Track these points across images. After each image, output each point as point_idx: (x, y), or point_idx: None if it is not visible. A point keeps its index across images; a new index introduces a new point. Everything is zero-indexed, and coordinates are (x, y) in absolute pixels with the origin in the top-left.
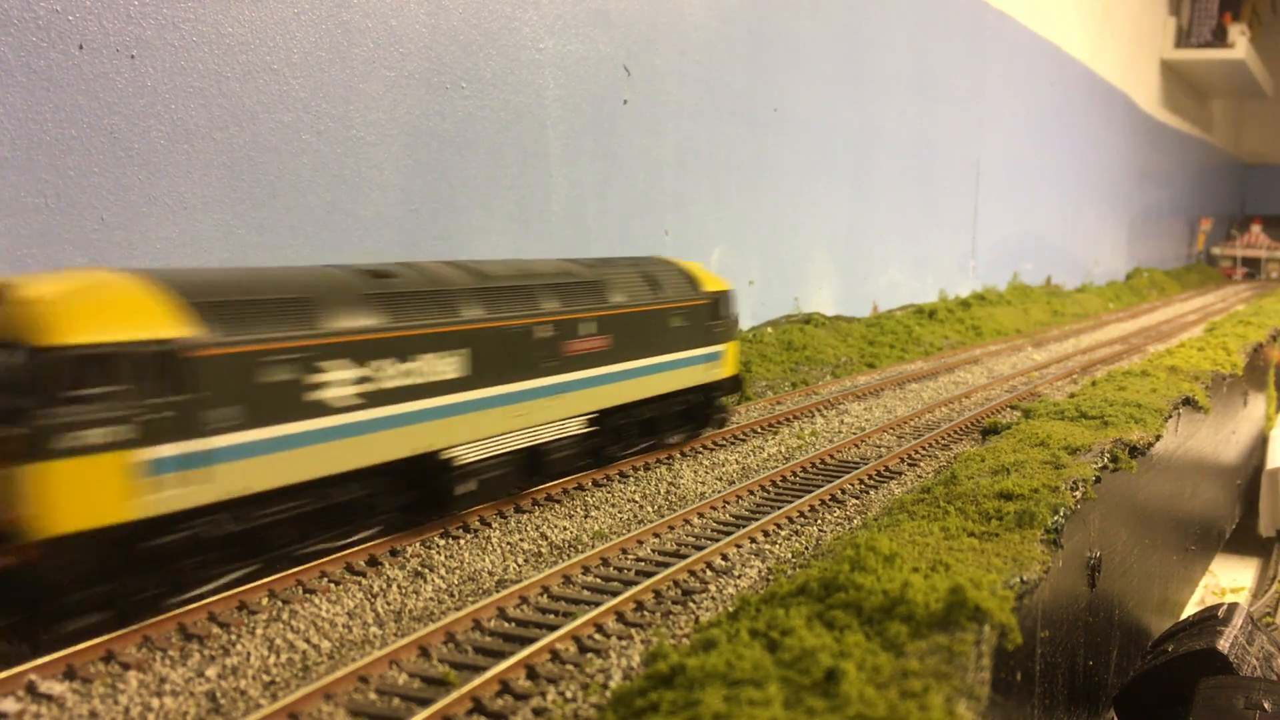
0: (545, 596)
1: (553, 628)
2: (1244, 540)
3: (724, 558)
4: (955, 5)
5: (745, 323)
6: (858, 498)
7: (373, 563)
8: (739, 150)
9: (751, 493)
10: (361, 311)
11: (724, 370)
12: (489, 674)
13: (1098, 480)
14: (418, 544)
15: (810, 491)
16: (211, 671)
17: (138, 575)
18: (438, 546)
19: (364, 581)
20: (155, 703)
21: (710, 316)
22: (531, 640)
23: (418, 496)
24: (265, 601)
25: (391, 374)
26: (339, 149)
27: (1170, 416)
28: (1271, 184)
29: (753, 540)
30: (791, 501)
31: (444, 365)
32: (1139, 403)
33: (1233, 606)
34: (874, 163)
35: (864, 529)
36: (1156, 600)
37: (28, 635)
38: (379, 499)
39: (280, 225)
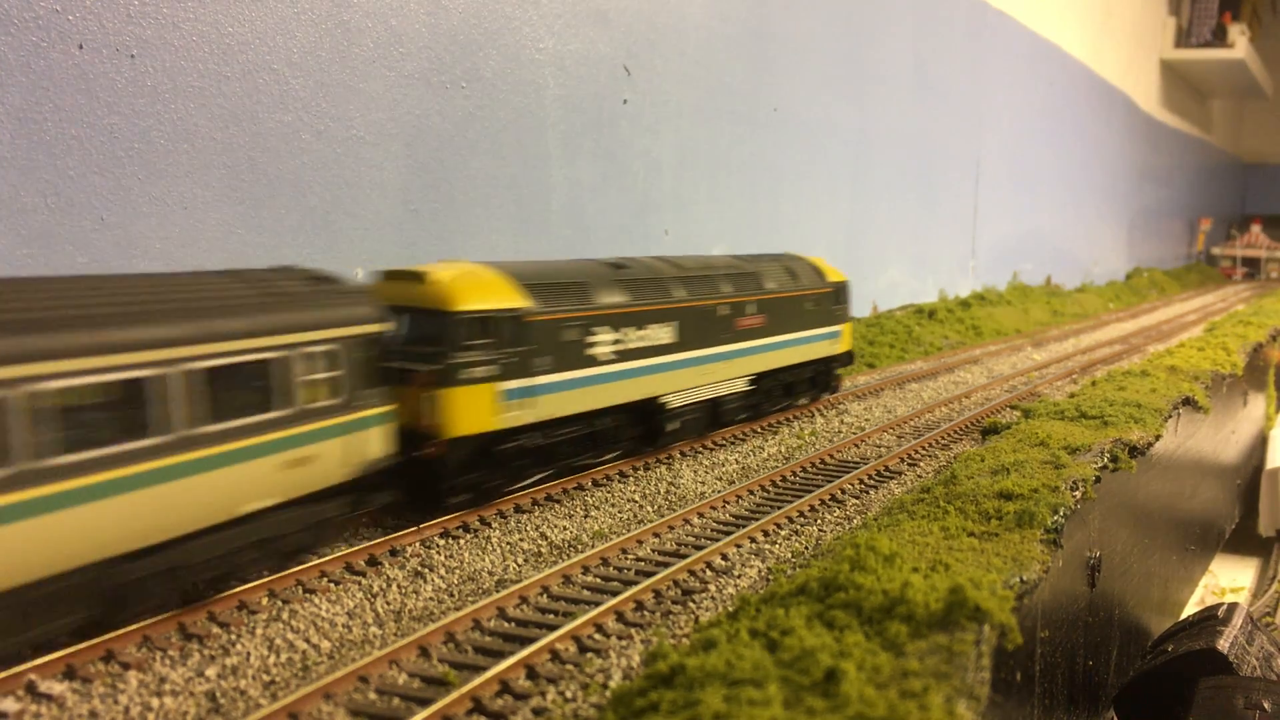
0: (545, 596)
1: (552, 628)
2: (1244, 540)
3: (724, 557)
4: (955, 5)
5: None
6: (857, 497)
7: (372, 562)
8: (739, 150)
9: (751, 492)
10: (615, 292)
11: (841, 346)
12: (489, 674)
13: (1098, 480)
14: (418, 544)
15: (810, 491)
16: (211, 671)
17: (491, 469)
18: (437, 546)
19: (364, 581)
20: (155, 702)
21: (833, 302)
22: (531, 640)
23: (643, 430)
24: (265, 601)
25: (632, 338)
26: (339, 149)
27: (1170, 416)
28: (1271, 184)
29: (752, 540)
30: (791, 501)
31: (663, 333)
32: (1139, 403)
33: (1232, 606)
34: (874, 163)
35: (864, 529)
36: (1156, 600)
37: (430, 503)
38: (621, 430)
39: (280, 225)
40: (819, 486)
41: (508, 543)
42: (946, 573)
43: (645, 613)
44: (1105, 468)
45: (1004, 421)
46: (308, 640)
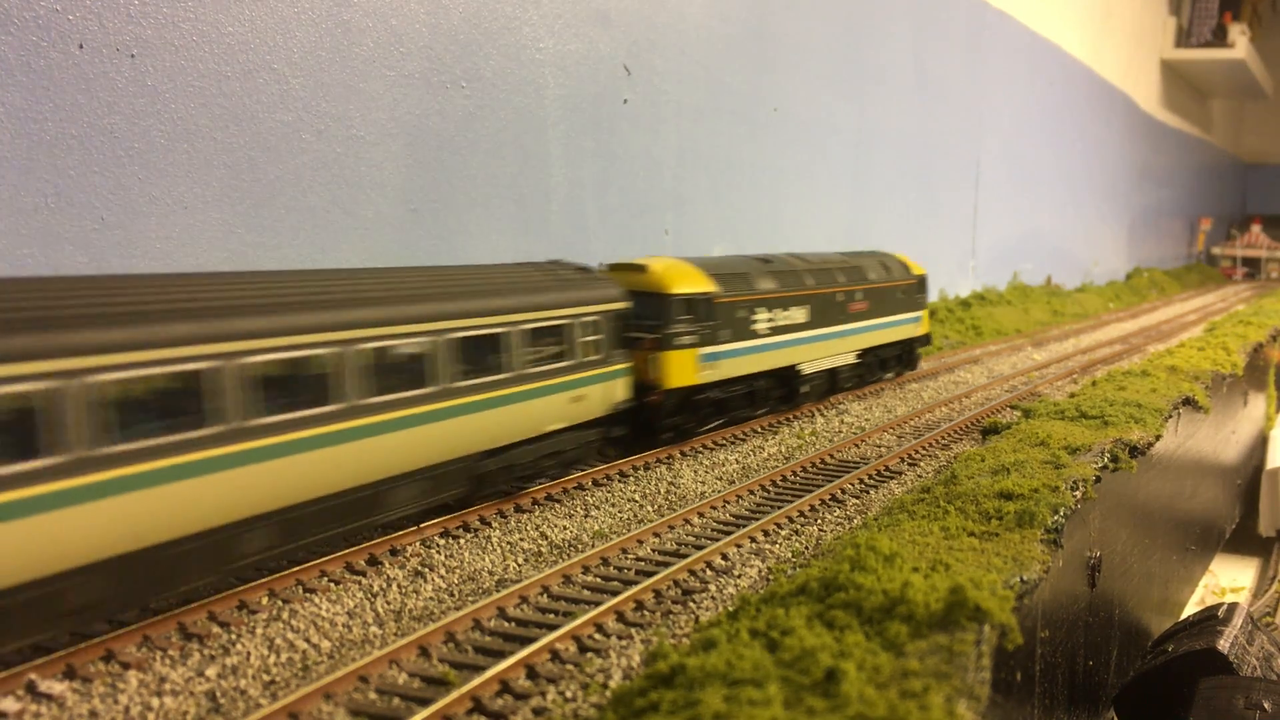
0: (545, 596)
1: (553, 627)
2: (1244, 540)
3: (724, 557)
4: (955, 5)
5: None
6: (858, 497)
7: (373, 562)
8: (739, 150)
9: (751, 492)
10: (767, 280)
11: (922, 329)
12: (489, 673)
13: (1098, 480)
14: (418, 543)
15: (810, 491)
16: (211, 671)
17: (689, 414)
18: (438, 546)
19: (364, 581)
20: (155, 702)
21: (917, 291)
22: (531, 640)
23: (783, 392)
24: (265, 601)
25: (780, 318)
26: (339, 148)
27: (1170, 416)
28: (1271, 184)
29: (753, 540)
30: (791, 501)
31: (799, 314)
32: (1139, 402)
33: (1233, 606)
34: (874, 162)
35: (864, 529)
36: (1156, 600)
37: (648, 437)
38: (770, 390)
39: (280, 225)
40: (819, 486)
41: (508, 542)
42: (947, 573)
43: (645, 612)
44: (1105, 468)
45: (1004, 421)
46: (308, 640)
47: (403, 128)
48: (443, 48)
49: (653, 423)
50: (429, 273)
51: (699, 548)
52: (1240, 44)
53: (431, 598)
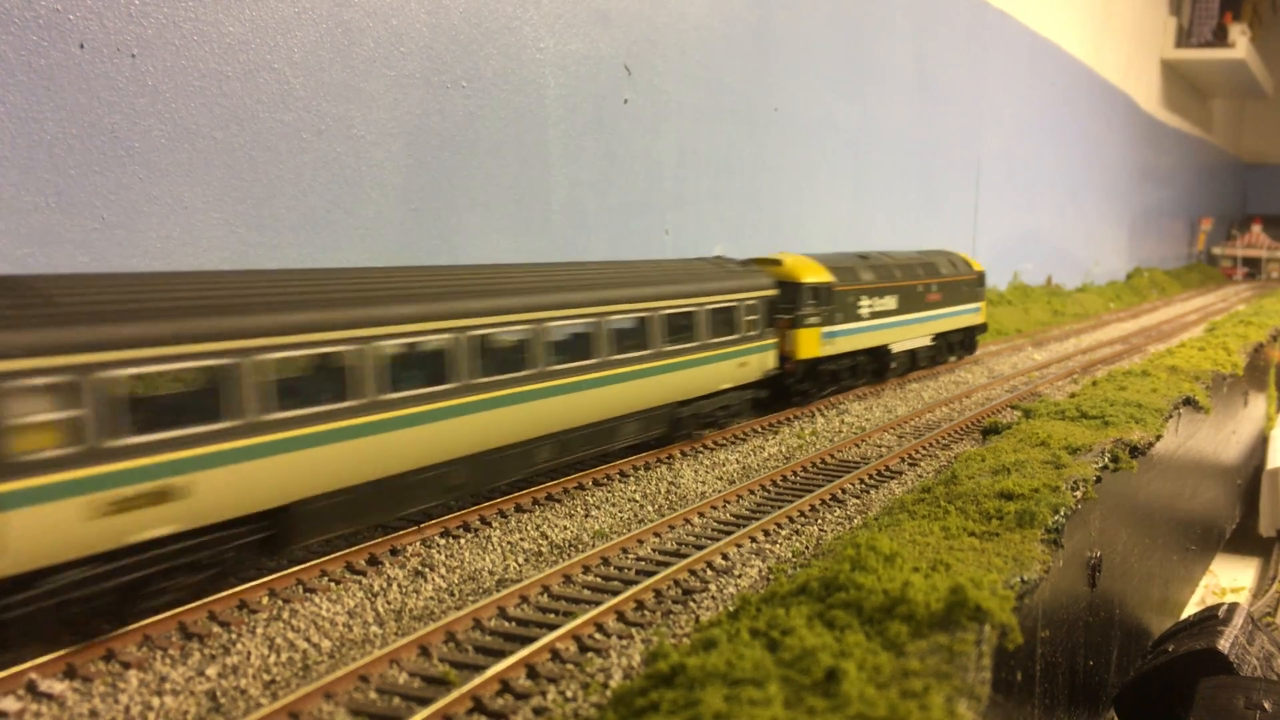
0: (545, 596)
1: (553, 627)
2: (1244, 540)
3: (724, 557)
4: (956, 5)
5: None
6: (858, 497)
7: (373, 562)
8: (739, 149)
9: (752, 492)
10: (867, 273)
11: (981, 318)
12: (489, 673)
13: (1098, 480)
14: (418, 543)
15: (811, 491)
16: (212, 670)
17: (813, 381)
18: (438, 546)
19: (364, 580)
20: (156, 701)
21: (977, 285)
22: (532, 639)
23: (876, 367)
24: (265, 600)
25: (877, 305)
26: (339, 148)
27: (1171, 416)
28: (1272, 184)
29: (753, 540)
30: (792, 501)
31: (891, 302)
32: (1140, 402)
33: (1233, 606)
34: (874, 162)
35: (864, 528)
36: (1157, 600)
37: (783, 399)
38: (867, 365)
39: (281, 224)
40: (819, 486)
41: (508, 542)
42: (947, 572)
43: (646, 612)
44: (1106, 468)
45: (1005, 421)
46: (308, 639)
47: (403, 127)
48: (443, 48)
49: (787, 387)
50: (639, 265)
51: (699, 547)
52: (1241, 44)
53: (432, 597)
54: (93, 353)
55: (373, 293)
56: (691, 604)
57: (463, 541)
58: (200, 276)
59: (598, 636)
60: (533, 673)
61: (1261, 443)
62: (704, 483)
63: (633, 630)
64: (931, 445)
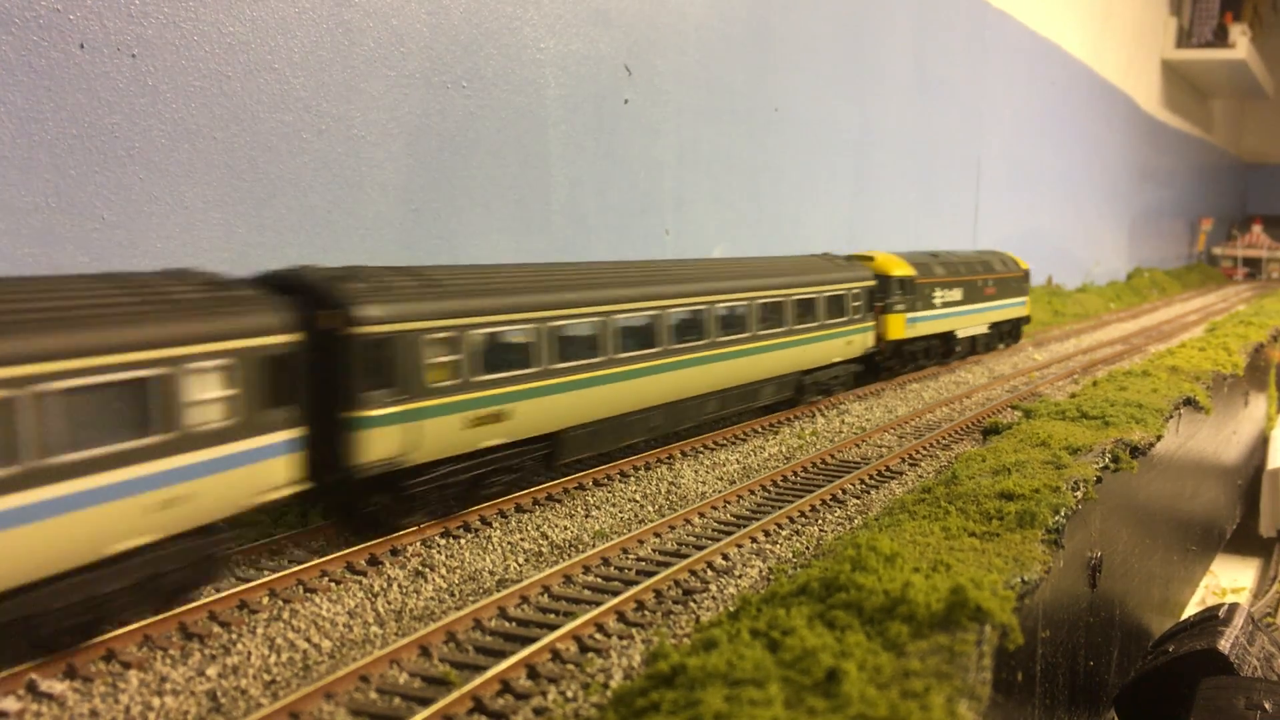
0: (546, 596)
1: (553, 627)
2: (1245, 540)
3: (725, 557)
4: (956, 5)
5: None
6: (859, 497)
7: (373, 562)
8: (740, 149)
9: (752, 492)
10: (939, 268)
11: (1026, 311)
12: (490, 673)
13: (1099, 480)
14: (418, 543)
15: (811, 491)
16: (212, 670)
17: (897, 360)
18: (438, 546)
19: (365, 580)
20: (156, 702)
21: (1023, 281)
22: (532, 640)
23: (944, 350)
24: (266, 600)
25: (947, 296)
26: (340, 148)
27: (1171, 417)
28: (1272, 184)
29: (754, 540)
30: (792, 501)
31: (957, 294)
32: (1140, 403)
33: (1233, 607)
34: (874, 162)
35: (865, 529)
36: (1157, 600)
37: (874, 373)
38: (937, 348)
39: (281, 224)
40: (820, 486)
41: (508, 542)
42: (948, 573)
43: (646, 612)
44: (1106, 468)
45: (1005, 421)
46: (309, 639)
47: (403, 128)
48: (443, 48)
49: (878, 363)
50: (774, 261)
51: (700, 548)
52: (1241, 44)
53: (432, 597)
54: (465, 317)
55: (604, 280)
56: (692, 604)
57: (463, 542)
58: (516, 269)
59: (598, 637)
60: (533, 673)
61: (1262, 443)
62: (704, 483)
63: (633, 630)
64: (932, 445)
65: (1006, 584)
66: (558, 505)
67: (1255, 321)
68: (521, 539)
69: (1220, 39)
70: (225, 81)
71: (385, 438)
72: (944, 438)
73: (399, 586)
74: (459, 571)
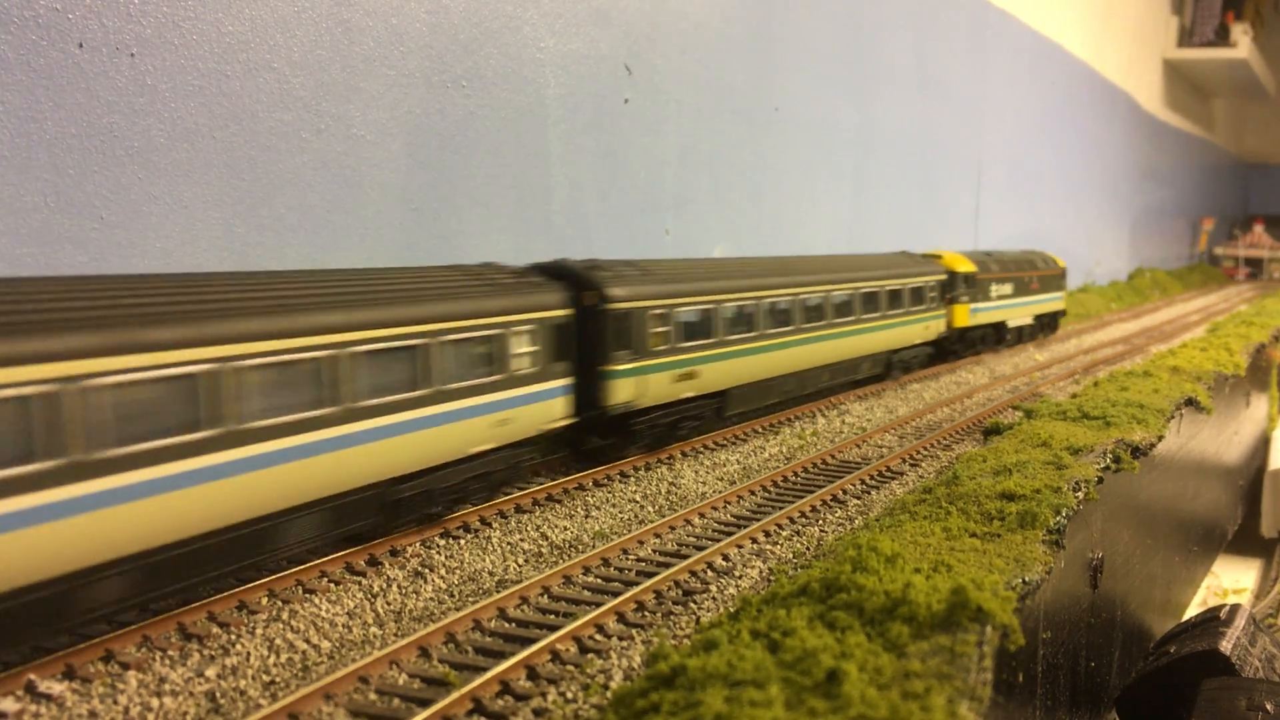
0: (546, 597)
1: (553, 628)
2: (1246, 541)
3: (725, 558)
4: (957, 4)
5: None
6: (859, 498)
7: (373, 562)
8: (740, 149)
9: (753, 493)
10: (995, 266)
11: (1062, 305)
12: (489, 674)
13: (1100, 481)
14: (418, 544)
15: (812, 492)
16: (211, 671)
17: (964, 344)
18: (438, 546)
19: (364, 581)
20: (155, 702)
21: (1061, 278)
22: (532, 641)
23: (996, 338)
24: (265, 601)
25: (1000, 289)
26: (339, 148)
27: (1173, 417)
28: (1274, 184)
29: (754, 540)
30: (793, 502)
31: (1009, 288)
32: (1141, 403)
33: (1235, 608)
34: (875, 162)
35: (866, 529)
36: (1159, 601)
37: (942, 357)
38: (990, 336)
39: (281, 224)
40: (821, 487)
41: (508, 543)
42: (949, 574)
43: (646, 613)
44: (1108, 468)
45: (1006, 422)
46: (308, 640)
47: (403, 127)
48: (443, 47)
49: (945, 347)
50: (867, 258)
51: (700, 548)
52: (1243, 43)
53: (432, 598)
54: (671, 299)
55: (755, 271)
56: (692, 605)
57: (462, 542)
58: (693, 262)
59: (598, 638)
60: (533, 674)
61: (1263, 443)
62: (704, 483)
63: (633, 631)
64: (933, 446)
65: (1008, 585)
66: (557, 506)
67: (1257, 322)
68: (521, 539)
69: (1222, 38)
70: (224, 81)
71: (626, 387)
72: (945, 438)
73: (398, 587)
74: (458, 572)
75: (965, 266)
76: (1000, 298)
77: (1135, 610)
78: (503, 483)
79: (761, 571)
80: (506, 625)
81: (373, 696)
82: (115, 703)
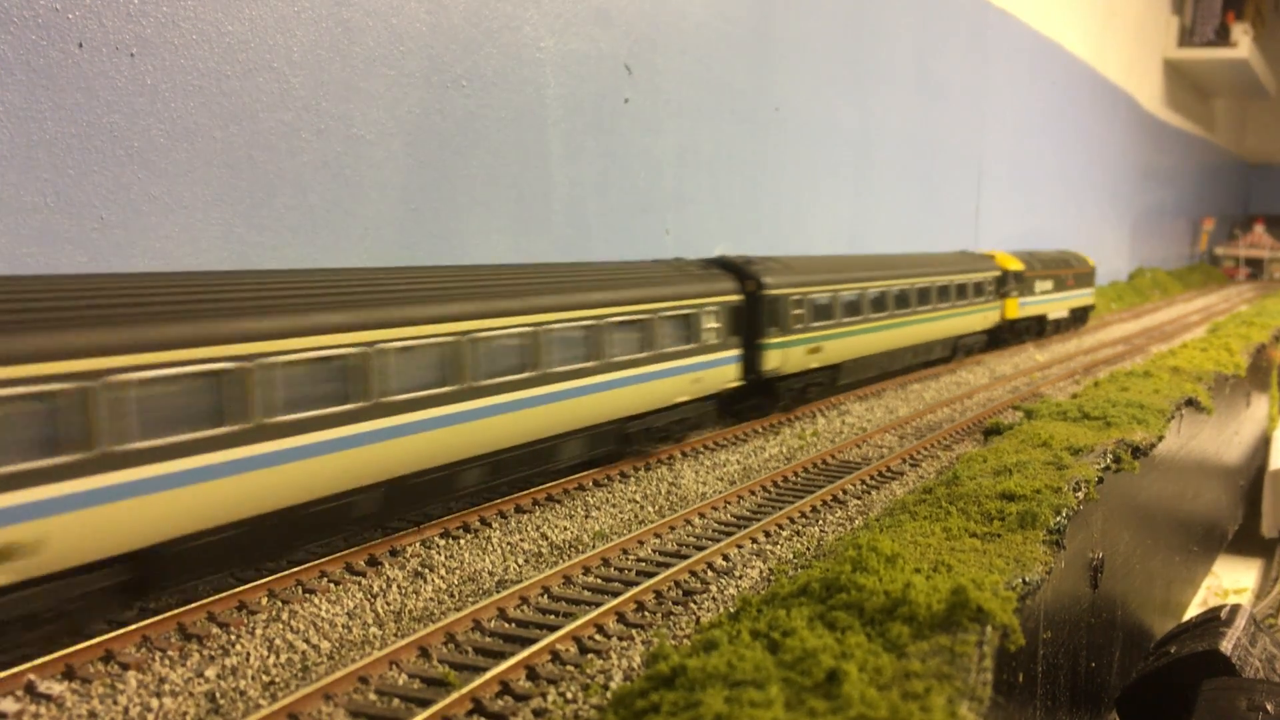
0: (546, 597)
1: (553, 628)
2: (1247, 541)
3: (725, 558)
4: (958, 4)
5: None
6: (859, 498)
7: (373, 563)
8: (740, 149)
9: (753, 493)
10: (1038, 265)
11: (1092, 300)
12: (489, 674)
13: (1100, 481)
14: (418, 544)
15: (812, 492)
16: (211, 672)
17: (1013, 334)
18: (438, 546)
19: (364, 581)
20: (154, 703)
21: (1091, 275)
22: (532, 641)
23: (1039, 329)
24: (265, 601)
25: (1043, 285)
26: (339, 148)
27: (1173, 417)
28: (1274, 184)
29: (754, 541)
30: (793, 502)
31: (1049, 285)
32: (1142, 403)
33: (1235, 608)
34: (876, 162)
35: (866, 529)
36: (1159, 601)
37: (995, 345)
38: (1033, 327)
39: (280, 224)
40: (821, 487)
41: (508, 543)
42: (949, 574)
43: (646, 613)
44: (1108, 468)
45: (1006, 422)
46: (307, 641)
47: (403, 127)
48: (443, 47)
49: (997, 336)
50: (931, 256)
51: (700, 548)
52: (1243, 43)
53: (431, 598)
54: (803, 287)
55: (859, 265)
56: (692, 605)
57: (462, 542)
58: (817, 259)
59: (598, 638)
60: (533, 674)
61: (1264, 444)
62: (705, 483)
63: (633, 631)
64: (933, 446)
65: (1008, 585)
66: (557, 506)
67: (1257, 322)
68: (521, 540)
69: (1222, 38)
70: (224, 80)
71: (775, 356)
72: (945, 438)
73: (398, 587)
74: (458, 572)
75: (1015, 265)
76: (1043, 293)
77: (1135, 610)
78: (694, 426)
79: (761, 571)
80: (506, 625)
81: (372, 697)
82: (115, 703)
